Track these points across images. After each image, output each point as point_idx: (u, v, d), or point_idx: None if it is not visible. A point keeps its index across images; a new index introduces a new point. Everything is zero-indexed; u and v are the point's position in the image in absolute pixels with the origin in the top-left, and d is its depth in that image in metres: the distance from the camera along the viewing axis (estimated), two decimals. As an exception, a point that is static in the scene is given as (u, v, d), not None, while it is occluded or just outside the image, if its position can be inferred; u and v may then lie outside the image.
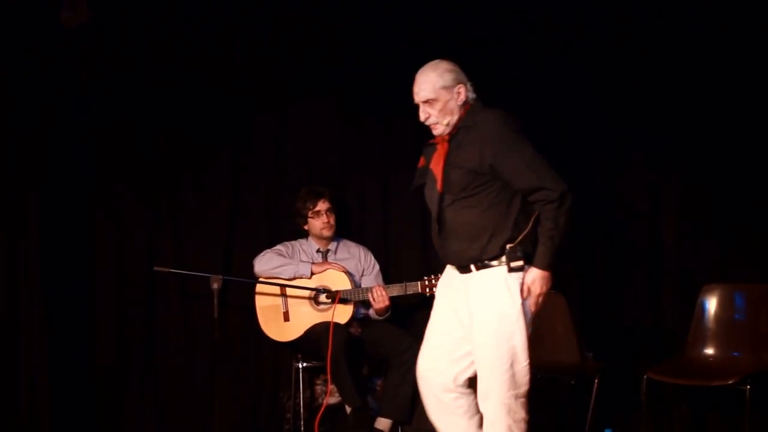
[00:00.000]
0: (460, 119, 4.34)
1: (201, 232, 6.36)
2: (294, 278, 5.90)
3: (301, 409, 5.94)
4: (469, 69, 4.51)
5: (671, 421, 5.97)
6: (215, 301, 5.63)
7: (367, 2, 6.22)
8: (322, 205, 6.03)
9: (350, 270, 6.01)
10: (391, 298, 5.89)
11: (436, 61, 4.41)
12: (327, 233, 6.08)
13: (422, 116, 4.37)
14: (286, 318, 5.89)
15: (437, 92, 4.31)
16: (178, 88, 6.27)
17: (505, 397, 4.25)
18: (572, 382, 5.65)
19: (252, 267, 5.99)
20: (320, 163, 6.46)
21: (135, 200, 6.28)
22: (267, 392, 6.40)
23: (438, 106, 4.32)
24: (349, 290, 5.85)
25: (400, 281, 5.93)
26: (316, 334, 5.76)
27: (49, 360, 5.87)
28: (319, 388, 6.19)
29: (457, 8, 6.17)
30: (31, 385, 5.85)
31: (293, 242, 6.12)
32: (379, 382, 6.11)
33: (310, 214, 6.05)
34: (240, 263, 6.26)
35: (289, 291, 5.91)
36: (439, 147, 4.40)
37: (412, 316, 6.18)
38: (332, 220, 6.06)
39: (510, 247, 4.24)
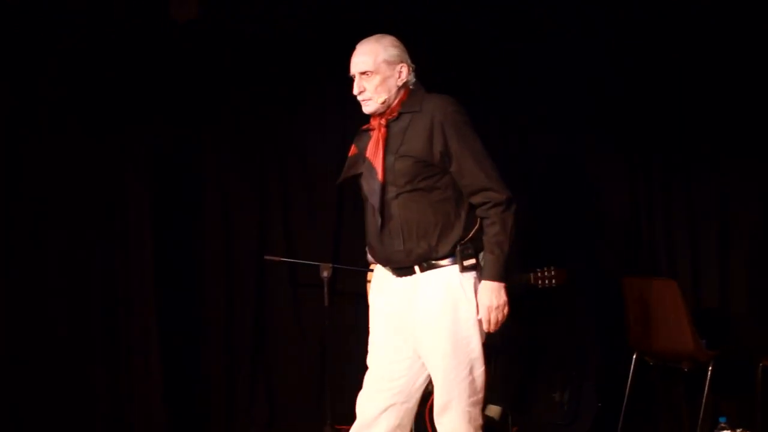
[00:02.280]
0: (400, 102, 3.93)
1: (310, 220, 6.41)
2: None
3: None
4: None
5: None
6: (326, 289, 5.68)
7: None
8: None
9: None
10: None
11: (381, 34, 3.98)
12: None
13: (356, 89, 3.93)
14: (397, 307, 5.91)
15: (378, 65, 3.89)
16: (284, 77, 6.34)
17: (466, 404, 3.88)
18: (685, 370, 5.58)
19: (365, 253, 6.02)
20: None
21: (244, 190, 6.35)
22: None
23: (375, 80, 3.90)
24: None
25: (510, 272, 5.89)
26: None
27: (162, 349, 5.98)
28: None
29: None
30: (145, 373, 5.95)
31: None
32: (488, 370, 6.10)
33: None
34: (349, 251, 6.30)
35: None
36: (374, 133, 3.97)
37: (521, 305, 6.15)
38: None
39: (462, 245, 3.85)
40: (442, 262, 3.86)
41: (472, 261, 3.84)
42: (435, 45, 5.70)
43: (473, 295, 3.85)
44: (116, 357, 5.93)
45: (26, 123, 5.82)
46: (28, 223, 5.78)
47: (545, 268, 5.73)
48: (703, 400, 5.50)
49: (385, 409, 3.99)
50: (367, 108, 3.95)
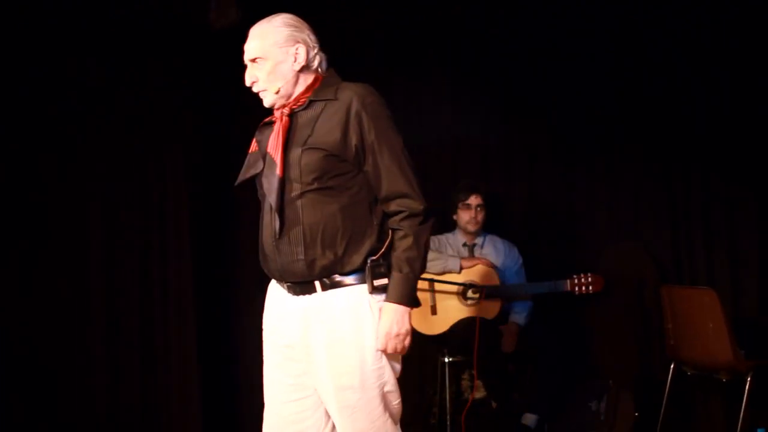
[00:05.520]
0: (310, 90, 3.41)
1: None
2: (443, 273, 5.90)
3: (447, 404, 5.95)
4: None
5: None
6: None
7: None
8: (474, 200, 6.02)
9: (496, 265, 5.99)
10: (538, 295, 5.89)
11: (277, 13, 3.47)
12: (471, 228, 6.07)
13: (247, 80, 3.42)
14: (434, 312, 5.91)
15: (266, 50, 3.36)
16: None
17: None
18: (723, 381, 5.55)
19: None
20: (466, 158, 6.52)
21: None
22: (413, 386, 6.42)
23: (266, 67, 3.37)
24: (497, 286, 5.84)
25: (546, 278, 5.91)
26: (463, 328, 5.78)
27: (199, 355, 5.98)
28: (465, 383, 6.21)
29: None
30: (182, 383, 5.97)
31: (439, 236, 6.13)
32: (524, 378, 6.11)
33: (460, 205, 6.06)
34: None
35: (437, 285, 5.90)
36: (276, 125, 3.42)
37: (557, 313, 6.16)
38: (480, 217, 6.04)
39: (373, 260, 3.29)
40: (348, 279, 3.31)
41: (384, 281, 3.30)
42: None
43: None
44: (152, 362, 5.96)
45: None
46: (66, 218, 5.80)
47: (582, 275, 5.73)
48: (741, 411, 5.45)
49: None
50: (266, 100, 3.45)
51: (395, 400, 3.38)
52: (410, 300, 3.30)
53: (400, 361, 3.39)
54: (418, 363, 6.41)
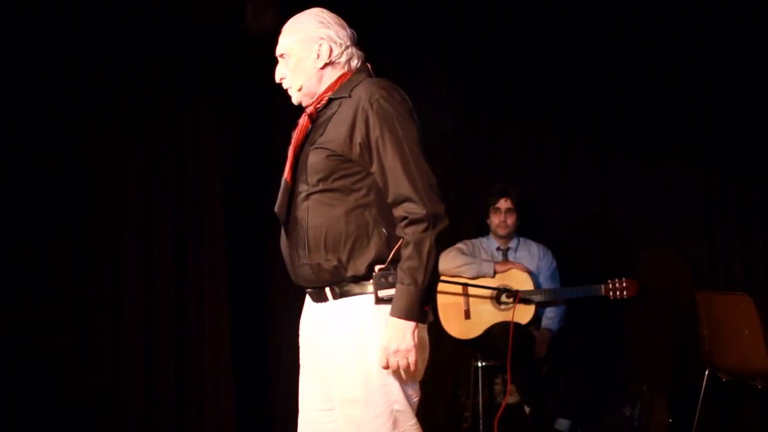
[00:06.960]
0: (330, 89, 3.23)
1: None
2: (477, 277, 5.90)
3: (480, 408, 5.96)
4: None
5: None
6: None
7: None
8: (503, 204, 6.02)
9: (530, 269, 5.98)
10: (573, 299, 5.89)
11: (311, 9, 3.32)
12: (501, 232, 6.07)
13: (276, 76, 3.30)
14: (467, 316, 5.90)
15: (290, 46, 3.23)
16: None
17: None
18: (759, 387, 5.50)
19: (435, 265, 6.01)
20: (501, 160, 6.50)
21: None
22: (446, 390, 6.43)
23: (290, 63, 3.24)
24: (531, 291, 5.82)
25: (581, 283, 5.90)
26: (496, 333, 5.76)
27: (233, 360, 6.02)
28: (498, 388, 6.20)
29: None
30: (216, 381, 6.00)
31: (474, 240, 6.13)
32: (558, 383, 6.09)
33: (491, 209, 6.08)
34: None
35: (471, 289, 5.90)
36: (299, 125, 3.27)
37: (592, 318, 6.14)
38: (510, 221, 6.03)
39: (380, 269, 3.06)
40: (357, 289, 3.10)
41: (391, 292, 3.03)
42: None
43: None
44: (186, 363, 5.97)
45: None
46: (101, 224, 5.85)
47: (617, 279, 5.71)
48: (778, 419, 5.43)
49: None
50: (293, 98, 3.31)
51: (409, 421, 3.11)
52: (412, 314, 2.98)
53: (411, 380, 3.12)
54: (451, 368, 6.42)
